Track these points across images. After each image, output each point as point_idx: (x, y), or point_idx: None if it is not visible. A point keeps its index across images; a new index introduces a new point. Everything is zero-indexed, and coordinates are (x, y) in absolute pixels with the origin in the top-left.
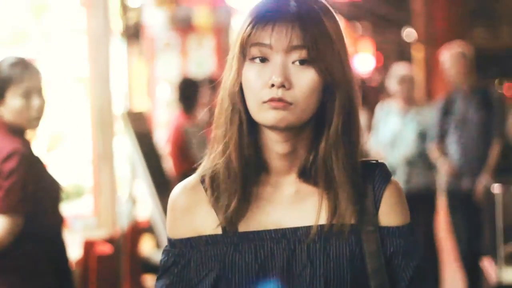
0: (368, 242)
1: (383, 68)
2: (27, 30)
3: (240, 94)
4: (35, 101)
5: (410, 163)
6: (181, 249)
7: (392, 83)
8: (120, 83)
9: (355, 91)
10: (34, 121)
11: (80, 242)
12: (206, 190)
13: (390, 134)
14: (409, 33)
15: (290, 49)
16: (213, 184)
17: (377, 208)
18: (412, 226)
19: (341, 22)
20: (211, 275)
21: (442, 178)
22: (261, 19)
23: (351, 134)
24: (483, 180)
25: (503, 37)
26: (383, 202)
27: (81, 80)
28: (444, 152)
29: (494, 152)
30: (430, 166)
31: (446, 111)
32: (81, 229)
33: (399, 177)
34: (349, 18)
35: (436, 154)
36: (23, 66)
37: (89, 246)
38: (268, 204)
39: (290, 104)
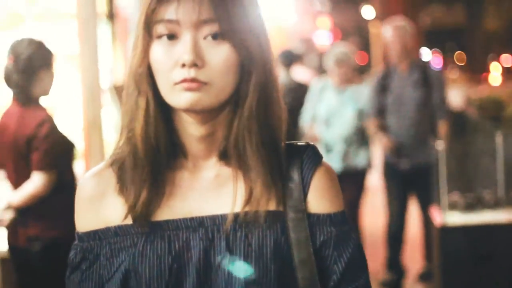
0: (295, 230)
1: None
2: (21, 14)
3: (148, 75)
4: (50, 75)
5: (347, 141)
6: (89, 243)
7: (329, 63)
8: (107, 60)
9: (273, 66)
10: (49, 91)
11: None
12: (115, 177)
13: (326, 111)
14: (366, 10)
15: (200, 23)
16: (121, 171)
17: (305, 193)
18: (345, 214)
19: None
20: (121, 269)
21: (379, 154)
22: None
23: (268, 113)
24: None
25: (457, 13)
26: (312, 187)
27: (72, 58)
28: (382, 127)
29: (443, 131)
30: (366, 145)
31: (383, 87)
32: None
33: (335, 155)
34: None
35: (374, 129)
36: (42, 46)
37: None
38: (185, 190)
39: (205, 84)
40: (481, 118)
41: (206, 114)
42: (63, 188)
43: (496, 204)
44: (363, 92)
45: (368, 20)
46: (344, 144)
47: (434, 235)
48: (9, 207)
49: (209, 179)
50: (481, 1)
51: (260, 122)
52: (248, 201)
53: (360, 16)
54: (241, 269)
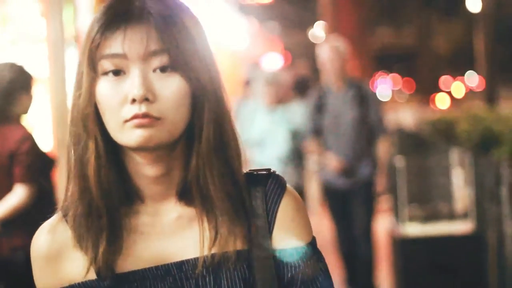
0: (261, 269)
1: (291, 66)
2: None
3: (94, 115)
4: (30, 97)
5: (282, 162)
6: None
7: (258, 84)
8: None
9: (225, 96)
10: (27, 111)
11: None
12: (70, 230)
13: (258, 132)
14: (313, 34)
15: (148, 55)
16: (75, 223)
17: (270, 228)
18: (314, 243)
19: (252, 23)
20: None
21: (319, 174)
22: (110, 25)
23: (225, 145)
24: (381, 186)
25: (404, 36)
26: (277, 220)
27: (42, 81)
28: (320, 147)
29: (384, 149)
30: (301, 164)
31: (320, 107)
32: None
33: None
34: (259, 19)
35: (311, 150)
36: (23, 70)
37: None
38: (147, 237)
39: (158, 119)
40: (434, 137)
41: (160, 152)
42: (43, 198)
43: (451, 216)
44: (296, 111)
45: (315, 44)
46: (279, 165)
47: (393, 246)
48: None
49: (171, 222)
50: (430, 24)
51: (219, 155)
52: (214, 242)
53: (309, 39)
54: None
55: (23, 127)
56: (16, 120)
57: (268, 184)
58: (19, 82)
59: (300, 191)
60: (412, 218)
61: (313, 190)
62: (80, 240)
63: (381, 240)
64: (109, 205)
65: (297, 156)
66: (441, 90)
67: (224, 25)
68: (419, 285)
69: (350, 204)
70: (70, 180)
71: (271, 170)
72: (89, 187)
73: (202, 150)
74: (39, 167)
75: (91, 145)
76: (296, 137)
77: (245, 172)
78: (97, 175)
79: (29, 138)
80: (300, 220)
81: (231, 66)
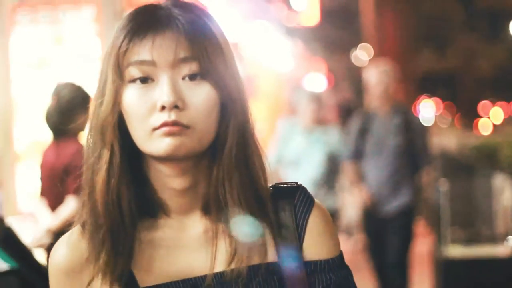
0: (292, 281)
1: (334, 88)
2: (49, 57)
3: (115, 124)
4: (87, 114)
5: (316, 184)
6: None
7: (301, 104)
8: None
9: (249, 109)
10: (84, 128)
11: None
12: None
13: (294, 152)
14: (357, 57)
15: (177, 62)
16: (89, 236)
17: (300, 240)
18: (342, 257)
19: (297, 44)
20: None
21: (352, 202)
22: (138, 31)
23: (248, 158)
24: (422, 210)
25: (447, 60)
26: (307, 233)
27: None
28: (359, 173)
29: (427, 179)
30: (334, 188)
31: (363, 131)
32: None
33: None
34: (303, 41)
35: (351, 175)
36: (81, 90)
37: None
38: (172, 250)
39: (187, 127)
40: (478, 162)
41: (187, 163)
42: None
43: (493, 239)
44: (334, 134)
45: (361, 67)
46: (313, 186)
47: (435, 268)
48: (48, 231)
49: (196, 236)
50: (473, 47)
51: (241, 168)
52: (232, 257)
53: (352, 62)
54: None
55: (78, 143)
56: (73, 136)
57: (296, 197)
58: (78, 101)
59: (333, 214)
60: (454, 241)
61: (348, 214)
62: (93, 253)
63: (423, 262)
64: (113, 216)
65: (331, 179)
66: (479, 116)
67: (269, 47)
68: None
69: (387, 231)
70: (84, 190)
71: (299, 183)
72: (95, 196)
73: (223, 161)
74: None
75: (106, 154)
76: (332, 160)
77: (272, 185)
78: (105, 184)
79: (82, 151)
80: (330, 233)
81: (275, 87)
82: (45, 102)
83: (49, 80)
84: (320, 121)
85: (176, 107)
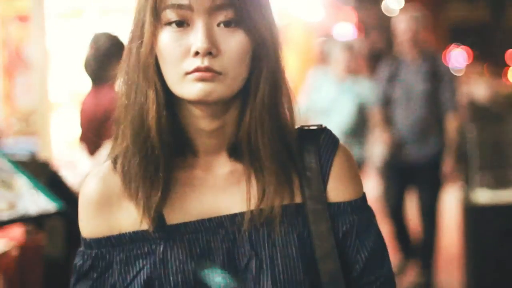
0: (316, 222)
1: (365, 38)
2: (82, 7)
3: (154, 65)
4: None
5: (346, 134)
6: (99, 250)
7: (332, 53)
8: None
9: (281, 54)
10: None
11: None
12: (120, 179)
13: (325, 101)
14: (387, 6)
15: (214, 9)
16: (127, 172)
17: (325, 182)
18: (365, 198)
19: None
20: (140, 277)
21: (380, 148)
22: None
23: (279, 103)
24: (449, 165)
25: (477, 9)
26: (332, 175)
27: None
28: (387, 118)
29: (453, 126)
30: (364, 138)
31: (392, 78)
32: None
33: None
34: None
35: (379, 119)
36: (117, 39)
37: None
38: (199, 189)
39: (219, 73)
40: (506, 109)
41: (217, 107)
42: None
43: None
44: (365, 85)
45: (391, 16)
46: (342, 136)
47: (464, 213)
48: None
49: (223, 176)
50: None
51: (272, 113)
52: (262, 198)
53: (382, 11)
54: (267, 269)
55: (114, 89)
56: (111, 83)
57: (321, 139)
58: (115, 49)
59: (362, 164)
60: (483, 185)
61: (375, 162)
62: (131, 189)
63: (452, 208)
64: (167, 155)
65: (361, 130)
66: (508, 65)
67: None
68: (490, 251)
69: (414, 181)
70: (121, 129)
71: (323, 126)
72: (150, 136)
73: (255, 107)
74: None
75: (151, 94)
76: (362, 110)
77: (298, 128)
78: (158, 124)
79: None
80: (353, 175)
81: (306, 37)
82: (78, 52)
83: (83, 30)
84: (351, 71)
85: (209, 53)
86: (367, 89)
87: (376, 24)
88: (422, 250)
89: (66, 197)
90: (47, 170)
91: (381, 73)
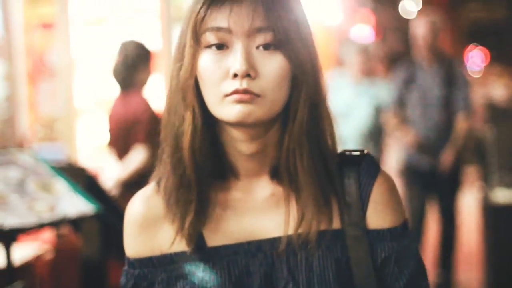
0: (355, 248)
1: (382, 40)
2: (106, 14)
3: (194, 87)
4: (148, 70)
5: (363, 137)
6: (142, 270)
7: (349, 55)
8: None
9: (322, 78)
10: (146, 82)
11: None
12: (163, 201)
13: (342, 104)
14: (404, 8)
15: (253, 32)
16: (166, 194)
17: (364, 208)
18: (406, 225)
19: None
20: None
21: (398, 151)
22: None
23: (319, 128)
24: (448, 157)
25: (494, 10)
26: (371, 201)
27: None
28: (402, 120)
29: (462, 128)
30: (381, 141)
31: (408, 81)
32: None
33: None
34: None
35: (394, 123)
36: (144, 47)
37: None
38: (239, 212)
39: (258, 96)
40: None
41: (256, 130)
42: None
43: None
44: (382, 87)
45: (409, 18)
46: (360, 138)
47: (483, 213)
48: (118, 181)
49: (263, 199)
50: None
51: (311, 137)
52: (300, 222)
53: (400, 14)
54: None
55: (142, 95)
56: (139, 88)
57: (362, 164)
58: (142, 57)
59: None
60: (501, 185)
61: (391, 166)
62: (169, 211)
63: (471, 208)
64: (200, 178)
65: (378, 132)
66: None
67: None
68: (510, 250)
69: (433, 185)
70: (163, 150)
71: (365, 151)
72: (183, 158)
73: (294, 132)
74: (156, 131)
75: (188, 117)
76: (379, 113)
77: (340, 152)
78: (192, 147)
79: (147, 104)
80: (394, 201)
81: (324, 39)
82: (102, 59)
83: (106, 37)
84: (367, 73)
85: (248, 75)
86: (384, 92)
87: (393, 26)
88: (441, 251)
89: (103, 201)
90: (84, 174)
91: (397, 76)
